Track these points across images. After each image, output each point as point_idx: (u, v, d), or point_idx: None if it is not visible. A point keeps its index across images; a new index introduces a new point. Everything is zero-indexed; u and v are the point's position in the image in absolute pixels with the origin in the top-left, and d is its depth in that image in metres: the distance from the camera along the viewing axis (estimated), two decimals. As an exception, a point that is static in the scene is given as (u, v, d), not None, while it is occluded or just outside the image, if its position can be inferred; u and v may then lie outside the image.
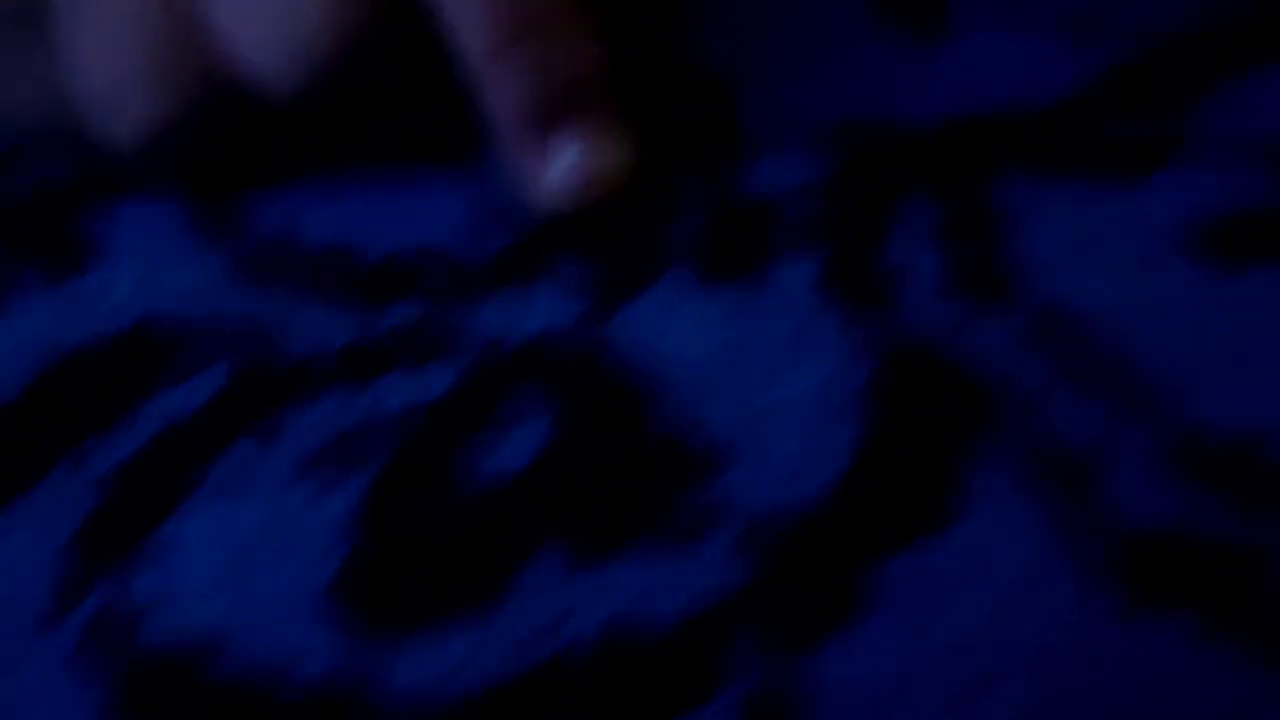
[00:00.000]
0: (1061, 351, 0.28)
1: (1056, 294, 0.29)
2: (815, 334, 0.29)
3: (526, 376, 0.29)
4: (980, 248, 0.30)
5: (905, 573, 0.26)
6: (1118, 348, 0.28)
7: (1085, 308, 0.29)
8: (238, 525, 0.28)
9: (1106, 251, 0.30)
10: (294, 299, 0.32)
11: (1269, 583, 0.25)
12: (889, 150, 0.33)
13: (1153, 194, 0.31)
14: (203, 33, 0.31)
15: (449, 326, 0.31)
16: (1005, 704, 0.24)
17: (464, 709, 0.25)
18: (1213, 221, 0.30)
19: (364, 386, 0.30)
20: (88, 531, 0.28)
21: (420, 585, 0.27)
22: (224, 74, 0.31)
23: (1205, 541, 0.26)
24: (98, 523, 0.28)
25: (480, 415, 0.29)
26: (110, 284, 0.32)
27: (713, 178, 0.32)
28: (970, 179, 0.32)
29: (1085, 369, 0.28)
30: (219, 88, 0.31)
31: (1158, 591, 0.25)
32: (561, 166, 0.32)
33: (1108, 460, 0.27)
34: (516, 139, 0.31)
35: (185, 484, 0.28)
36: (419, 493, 0.28)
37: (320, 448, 0.29)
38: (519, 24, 0.31)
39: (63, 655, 0.27)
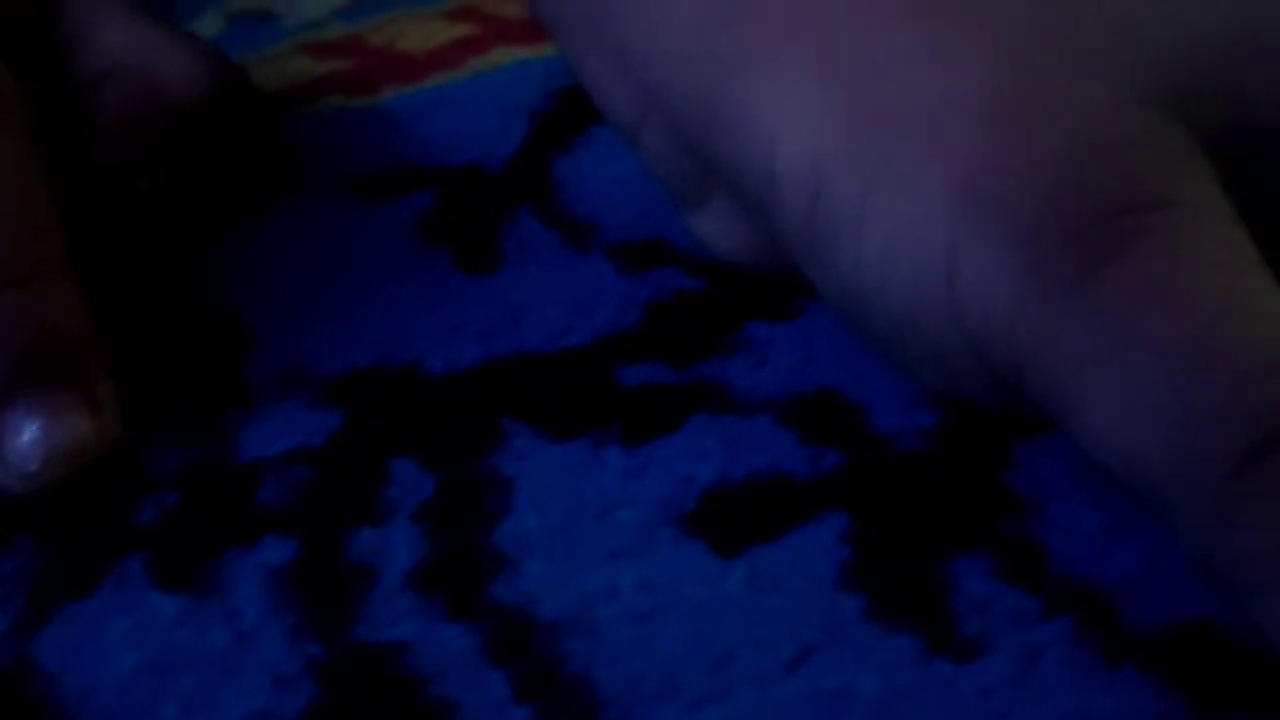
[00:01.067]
0: (521, 667, 0.25)
1: (530, 592, 0.26)
2: (257, 648, 0.26)
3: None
4: (463, 531, 0.27)
5: None
6: (582, 662, 0.25)
7: (558, 609, 0.25)
8: None
9: (600, 532, 0.27)
10: None
11: None
12: (399, 404, 0.29)
13: (653, 462, 0.28)
14: None
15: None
16: None
17: None
18: (717, 491, 0.27)
19: None
20: None
21: None
22: None
23: None
24: None
25: None
26: None
27: (202, 440, 0.29)
28: (475, 439, 0.29)
29: (546, 688, 0.25)
30: None
31: None
32: (20, 442, 0.28)
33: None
34: None
35: None
36: None
37: None
38: None
39: None
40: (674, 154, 0.29)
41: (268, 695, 0.25)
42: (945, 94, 0.25)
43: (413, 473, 0.28)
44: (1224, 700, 0.23)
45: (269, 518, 0.27)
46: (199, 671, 0.25)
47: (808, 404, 0.28)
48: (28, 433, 0.28)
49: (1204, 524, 0.22)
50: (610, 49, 0.29)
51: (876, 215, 0.25)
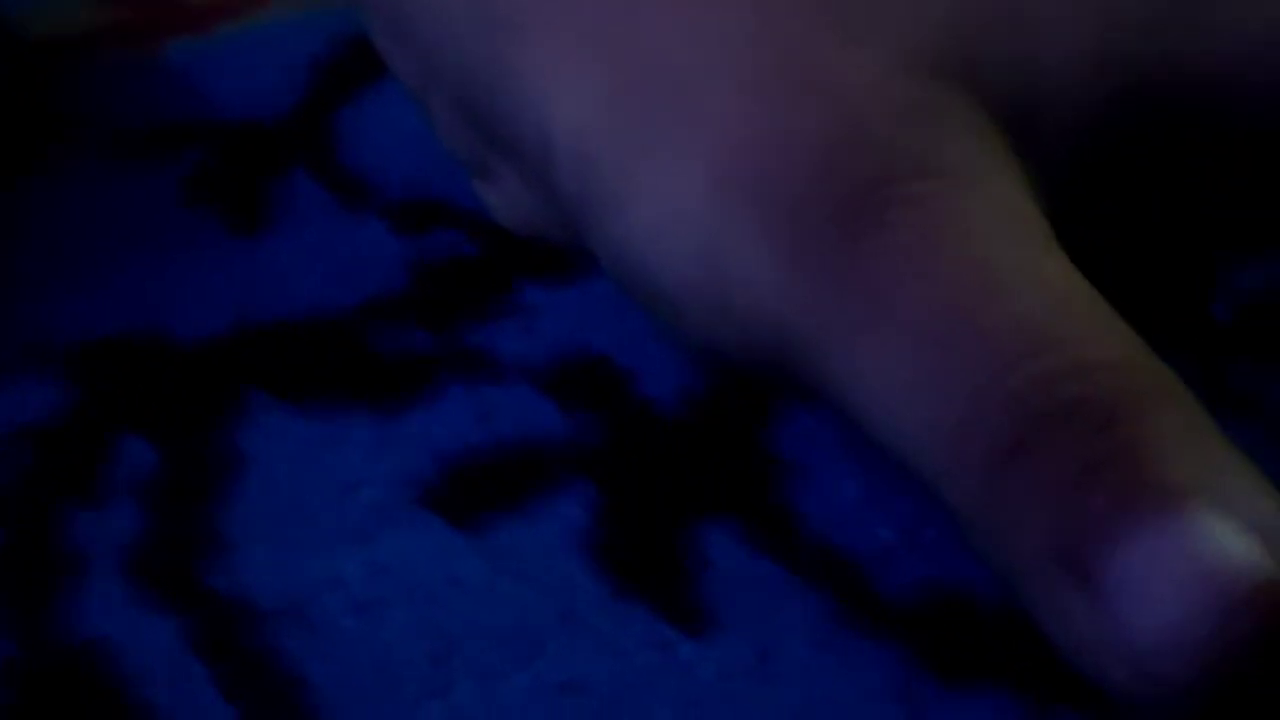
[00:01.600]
0: (230, 664, 0.23)
1: (249, 581, 0.24)
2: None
3: None
4: (186, 514, 0.25)
5: None
6: (297, 657, 0.23)
7: (276, 599, 0.23)
8: None
9: (335, 512, 0.25)
10: None
11: None
12: (138, 376, 0.27)
13: (400, 434, 0.26)
14: None
15: None
16: None
17: None
18: (464, 465, 0.25)
19: None
20: None
21: None
22: None
23: None
24: None
25: None
26: None
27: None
28: (214, 412, 0.26)
29: (255, 687, 0.22)
30: None
31: None
32: None
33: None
34: None
35: None
36: None
37: None
38: None
39: None
40: (458, 123, 0.27)
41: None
42: (705, 65, 0.23)
43: (140, 449, 0.26)
44: (973, 671, 0.21)
45: (-11, 503, 0.25)
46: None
47: (573, 370, 0.26)
48: None
49: (967, 512, 0.20)
50: (388, 15, 0.27)
51: (641, 190, 0.23)
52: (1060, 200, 0.23)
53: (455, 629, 0.23)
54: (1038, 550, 0.19)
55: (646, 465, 0.24)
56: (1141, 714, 0.19)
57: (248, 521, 0.24)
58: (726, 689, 0.21)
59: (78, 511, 0.25)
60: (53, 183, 0.32)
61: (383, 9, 0.27)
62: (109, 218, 0.31)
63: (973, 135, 0.23)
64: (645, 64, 0.24)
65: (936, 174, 0.22)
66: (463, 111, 0.27)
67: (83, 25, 0.36)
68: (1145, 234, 0.25)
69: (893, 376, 0.21)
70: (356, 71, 0.33)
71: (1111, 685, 0.19)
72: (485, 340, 0.27)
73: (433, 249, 0.29)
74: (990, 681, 0.21)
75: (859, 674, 0.21)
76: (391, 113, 0.32)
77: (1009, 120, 0.23)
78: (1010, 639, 0.21)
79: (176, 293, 0.29)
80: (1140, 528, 0.18)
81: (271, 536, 0.24)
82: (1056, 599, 0.19)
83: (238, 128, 0.32)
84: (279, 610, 0.23)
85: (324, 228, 0.30)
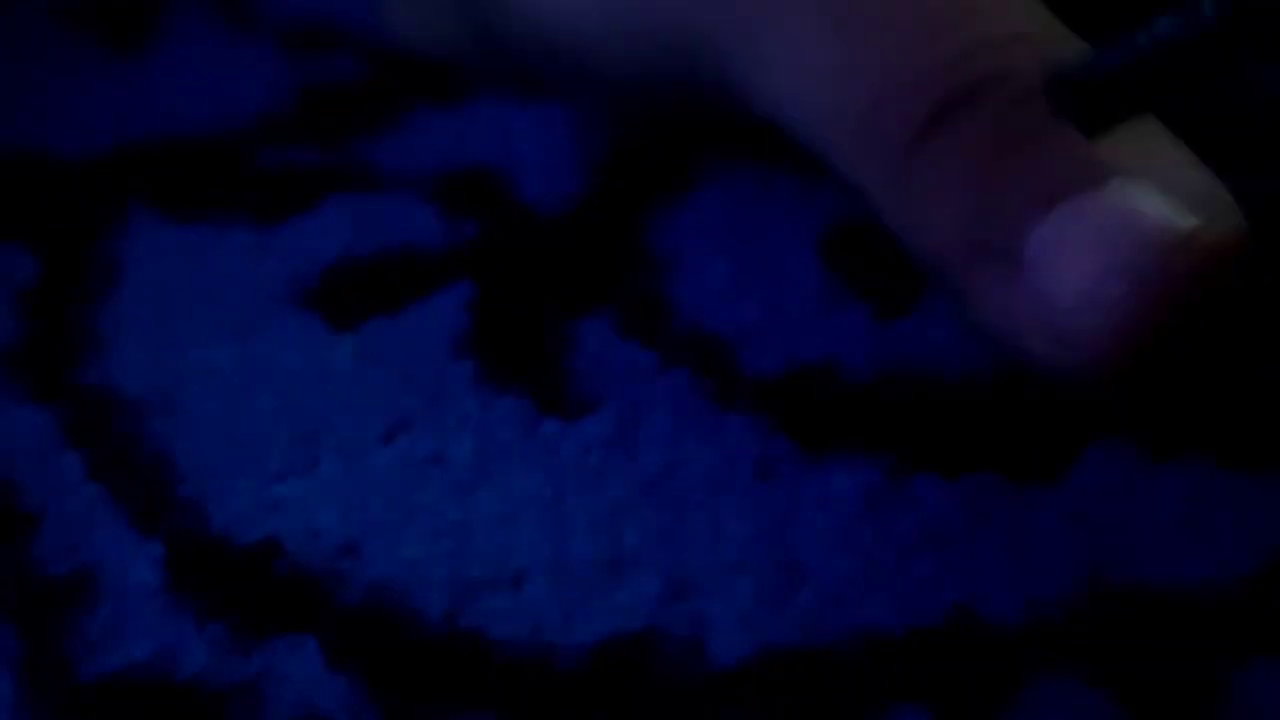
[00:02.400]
0: (98, 447, 0.23)
1: (119, 373, 0.24)
2: None
3: None
4: (60, 314, 0.25)
5: None
6: (164, 439, 0.23)
7: (145, 389, 0.23)
8: None
9: (209, 312, 0.25)
10: None
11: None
12: (19, 189, 0.27)
13: (280, 240, 0.26)
14: None
15: None
16: None
17: None
18: (343, 268, 0.25)
19: None
20: None
21: None
22: None
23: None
24: None
25: None
26: None
27: None
28: (94, 223, 0.26)
29: (121, 466, 0.22)
30: None
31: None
32: None
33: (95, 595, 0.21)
34: None
35: None
36: None
37: None
38: None
39: None
40: None
41: None
42: None
43: (19, 260, 0.26)
44: (832, 440, 0.21)
45: None
46: None
47: (455, 179, 0.26)
48: None
49: (883, 197, 0.20)
50: None
51: None
52: None
53: (323, 411, 0.22)
54: (955, 228, 0.19)
55: (525, 263, 0.24)
56: (1068, 390, 0.19)
57: (122, 321, 0.24)
58: (586, 461, 0.21)
59: (-47, 314, 0.25)
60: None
61: None
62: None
63: None
64: None
65: None
66: None
67: None
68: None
69: (801, 65, 0.20)
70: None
71: (1036, 361, 0.18)
72: (369, 154, 0.27)
73: (323, 70, 0.29)
74: (848, 449, 0.21)
75: (718, 444, 0.21)
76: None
77: None
78: (870, 409, 0.21)
79: (58, 110, 0.28)
80: (1063, 196, 0.18)
81: (145, 334, 0.24)
82: (976, 277, 0.18)
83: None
84: (148, 399, 0.23)
85: (211, 47, 0.29)
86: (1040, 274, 0.18)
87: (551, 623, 0.20)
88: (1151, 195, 0.18)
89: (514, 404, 0.22)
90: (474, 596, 0.20)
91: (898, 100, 0.19)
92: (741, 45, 0.21)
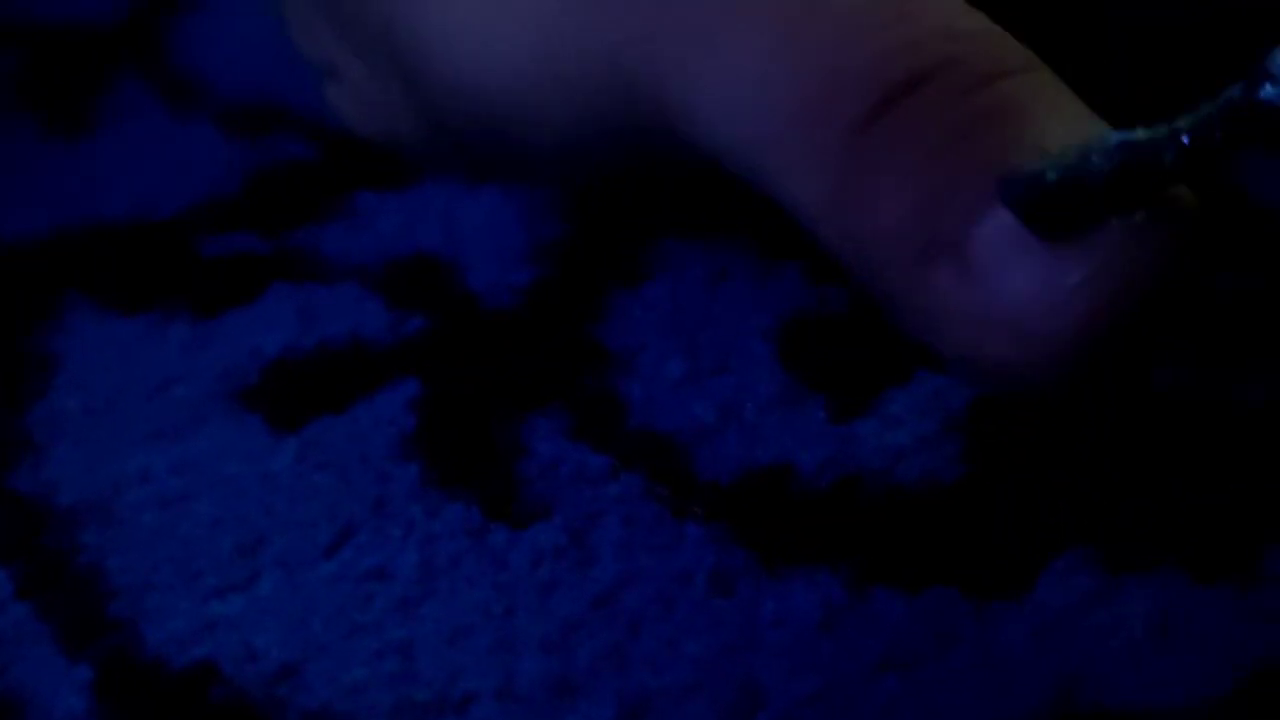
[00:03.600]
0: (27, 561, 0.22)
1: (51, 480, 0.23)
2: None
3: None
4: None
5: None
6: (96, 552, 0.22)
7: (78, 497, 0.22)
8: None
9: (146, 412, 0.24)
10: None
11: None
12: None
13: (221, 333, 0.25)
14: None
15: None
16: None
17: None
18: (285, 362, 0.24)
19: None
20: None
21: None
22: None
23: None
24: None
25: None
26: None
27: None
28: (27, 314, 0.25)
29: (52, 582, 0.22)
30: None
31: None
32: None
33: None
34: None
35: None
36: None
37: None
38: None
39: None
40: (316, 21, 0.26)
41: None
42: None
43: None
44: (789, 550, 0.20)
45: None
46: None
47: (401, 268, 0.25)
48: None
49: (822, 203, 0.18)
50: None
51: None
52: None
53: (264, 521, 0.22)
54: (902, 219, 0.18)
55: (473, 358, 0.24)
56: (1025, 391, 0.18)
57: (56, 423, 0.23)
58: (536, 574, 0.21)
59: (-121, 416, 0.24)
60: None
61: None
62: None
63: None
64: None
65: None
66: (324, 9, 0.26)
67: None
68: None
69: (734, 72, 0.19)
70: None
71: (986, 362, 0.17)
72: (313, 241, 0.26)
73: (267, 153, 0.28)
74: (806, 560, 0.20)
75: (672, 556, 0.21)
76: (231, 19, 0.31)
77: None
78: (828, 515, 0.21)
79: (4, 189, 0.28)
80: None
81: (80, 437, 0.23)
82: (922, 273, 0.17)
83: (62, 28, 0.31)
84: (80, 507, 0.22)
85: (152, 131, 0.29)
86: (992, 265, 0.17)
87: (501, 748, 0.19)
88: None
89: (461, 511, 0.21)
90: (419, 721, 0.19)
91: (844, 87, 0.18)
92: (674, 68, 0.20)
